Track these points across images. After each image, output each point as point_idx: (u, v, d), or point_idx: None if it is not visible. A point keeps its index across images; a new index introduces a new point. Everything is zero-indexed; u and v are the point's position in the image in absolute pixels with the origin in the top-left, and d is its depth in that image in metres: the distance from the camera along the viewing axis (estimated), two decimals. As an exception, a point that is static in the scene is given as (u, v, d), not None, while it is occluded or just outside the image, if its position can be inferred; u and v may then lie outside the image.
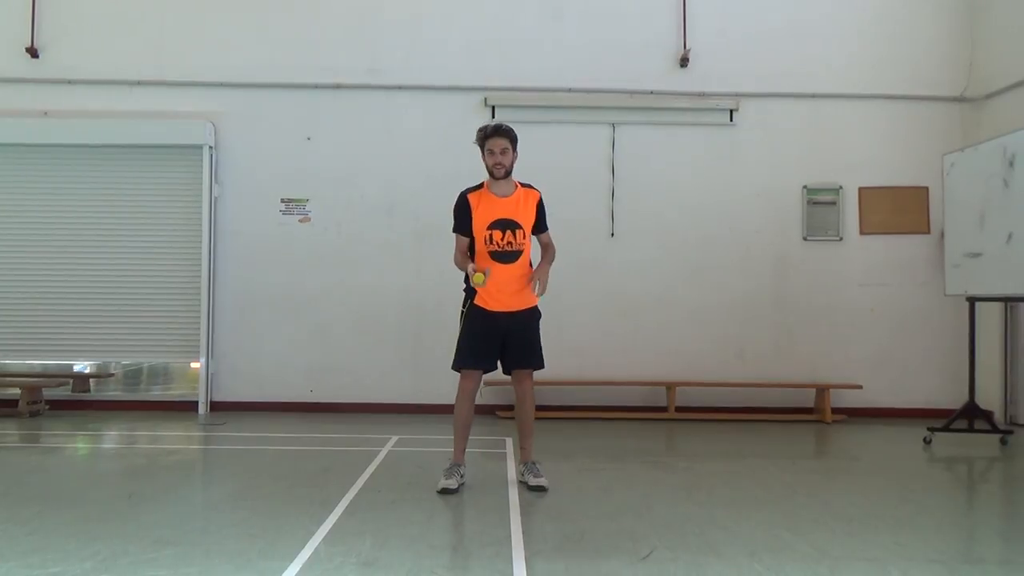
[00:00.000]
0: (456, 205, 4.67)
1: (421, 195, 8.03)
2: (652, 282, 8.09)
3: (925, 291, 8.03)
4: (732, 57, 8.19)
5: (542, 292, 4.60)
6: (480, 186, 4.68)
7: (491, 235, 4.57)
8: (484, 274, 4.45)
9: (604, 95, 8.16)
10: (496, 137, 4.58)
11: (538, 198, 4.72)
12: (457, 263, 4.69)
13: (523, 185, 4.73)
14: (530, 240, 4.68)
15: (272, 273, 8.05)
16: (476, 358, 4.65)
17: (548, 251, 4.79)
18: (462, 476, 4.62)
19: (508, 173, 4.62)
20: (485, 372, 4.74)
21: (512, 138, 4.62)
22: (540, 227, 4.75)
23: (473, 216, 4.60)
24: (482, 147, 4.64)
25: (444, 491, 4.47)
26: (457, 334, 4.71)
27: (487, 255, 4.58)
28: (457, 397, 4.69)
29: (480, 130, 4.68)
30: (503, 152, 4.57)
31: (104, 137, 7.99)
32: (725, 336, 8.07)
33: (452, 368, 4.73)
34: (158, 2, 8.19)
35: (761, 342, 8.07)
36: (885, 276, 8.14)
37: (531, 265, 4.72)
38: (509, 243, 4.57)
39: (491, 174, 4.63)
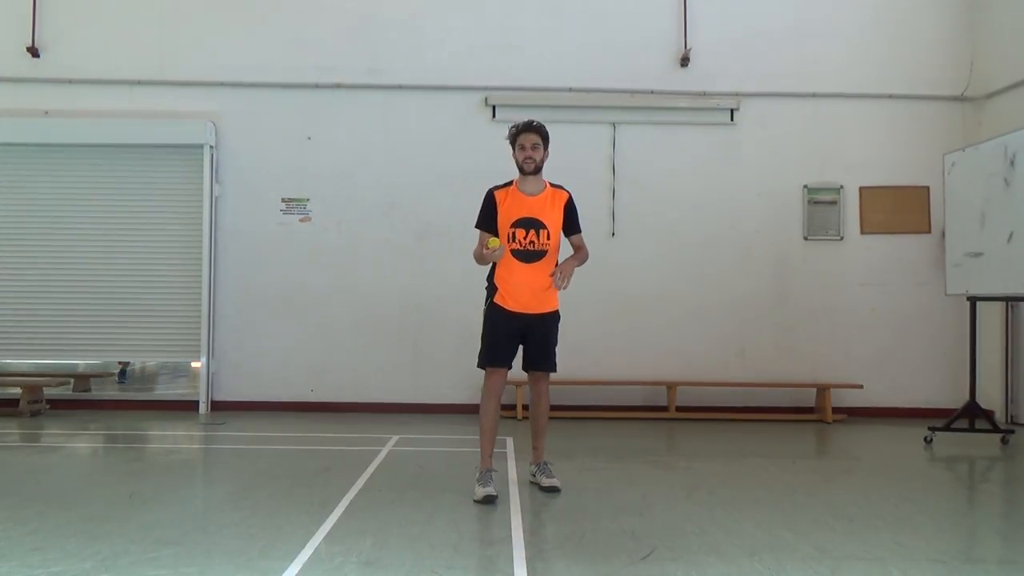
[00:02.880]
0: (483, 201, 4.62)
1: (421, 195, 8.04)
2: (653, 281, 8.09)
3: (926, 291, 8.03)
4: (733, 57, 8.19)
5: (564, 286, 4.48)
6: (509, 183, 4.62)
7: (514, 233, 4.47)
8: (497, 240, 4.38)
9: (605, 95, 8.16)
10: (528, 132, 4.53)
11: (567, 198, 4.64)
12: (476, 258, 4.59)
13: (553, 186, 4.65)
14: (557, 242, 4.59)
15: (273, 272, 8.05)
16: (498, 355, 4.55)
17: (579, 252, 4.69)
18: (495, 484, 4.44)
19: (538, 170, 4.56)
20: (509, 368, 4.63)
21: (544, 135, 4.56)
22: (571, 228, 4.67)
23: (498, 213, 4.53)
24: (513, 143, 4.58)
25: (486, 499, 4.27)
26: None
27: (509, 254, 4.48)
28: (483, 396, 4.58)
29: (512, 127, 4.62)
30: (534, 147, 4.51)
31: (105, 137, 8.00)
32: (726, 336, 8.07)
33: (477, 366, 4.64)
34: (159, 2, 8.20)
35: (762, 342, 8.07)
36: (886, 276, 8.14)
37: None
38: (532, 242, 4.49)
39: (521, 169, 4.57)
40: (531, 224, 4.50)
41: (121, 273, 8.03)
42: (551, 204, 4.58)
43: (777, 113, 8.22)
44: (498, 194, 4.58)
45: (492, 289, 4.62)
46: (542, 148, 4.55)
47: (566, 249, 4.72)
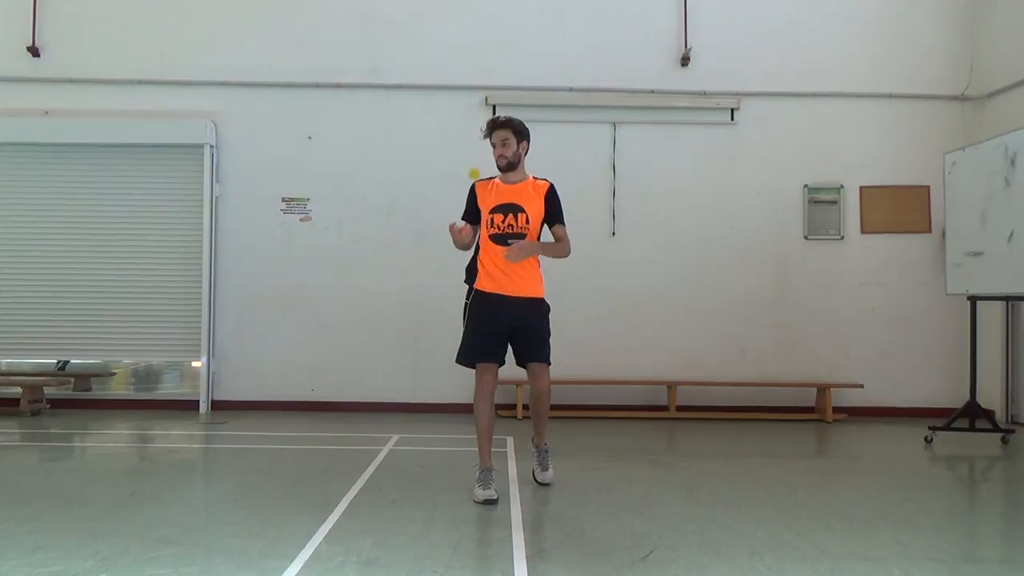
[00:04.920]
0: (467, 194, 4.69)
1: (422, 194, 8.04)
2: (653, 281, 8.09)
3: (926, 290, 8.03)
4: (733, 56, 8.19)
5: (514, 258, 4.40)
6: (493, 178, 4.68)
7: (492, 219, 4.51)
8: (471, 229, 4.50)
9: (605, 94, 8.16)
10: (497, 129, 4.56)
11: (547, 188, 4.63)
12: (456, 245, 4.59)
13: (537, 178, 4.68)
14: (537, 228, 4.57)
15: (273, 272, 8.06)
16: (484, 349, 4.47)
17: (558, 243, 4.62)
18: (495, 484, 4.39)
19: (511, 165, 4.56)
20: (499, 365, 4.55)
21: (514, 129, 4.55)
22: (552, 219, 4.62)
23: (479, 203, 4.58)
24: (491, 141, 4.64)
25: (486, 502, 4.24)
26: (461, 331, 4.58)
27: (487, 239, 4.51)
28: (475, 396, 4.51)
29: (485, 125, 4.66)
30: (504, 143, 4.52)
31: (105, 136, 8.00)
32: (726, 335, 8.07)
33: (457, 362, 4.56)
34: (159, 2, 8.20)
35: (762, 341, 8.07)
36: (886, 275, 8.14)
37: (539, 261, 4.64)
38: (510, 225, 4.49)
39: (497, 166, 4.60)
40: (508, 208, 4.52)
41: (121, 273, 8.04)
42: (531, 191, 4.59)
43: (777, 113, 8.22)
44: (479, 186, 4.65)
45: (472, 278, 4.63)
46: (514, 143, 4.54)
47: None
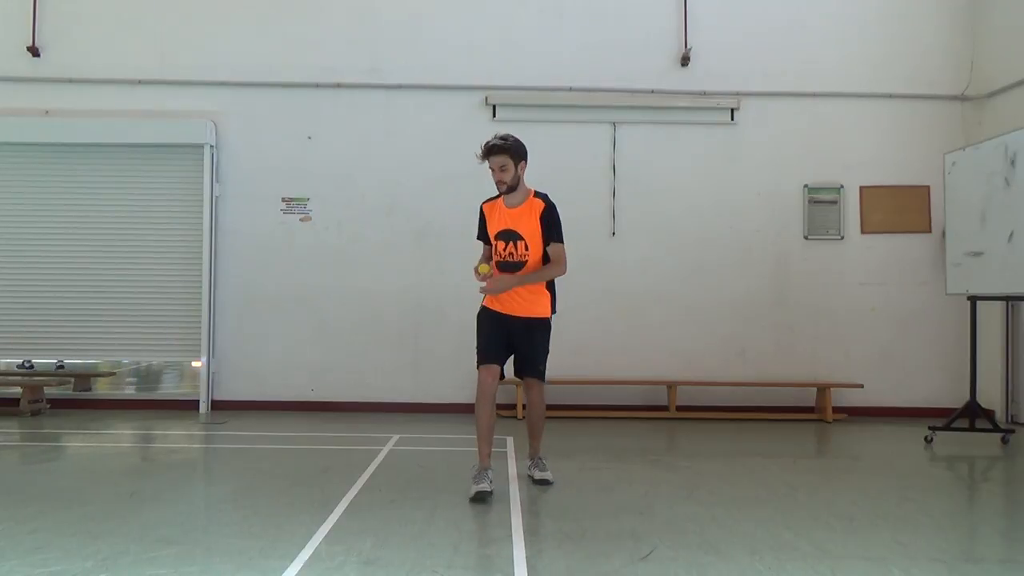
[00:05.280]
0: (478, 215, 4.81)
1: (421, 194, 8.04)
2: (653, 281, 8.09)
3: (926, 290, 8.03)
4: (733, 56, 8.19)
5: (485, 290, 4.59)
6: (498, 196, 4.71)
7: (497, 245, 4.66)
8: (488, 265, 4.60)
9: (605, 94, 8.16)
10: (493, 156, 4.53)
11: (542, 208, 4.60)
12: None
13: (537, 195, 4.65)
14: (537, 253, 4.61)
15: (273, 272, 8.06)
16: (484, 351, 4.64)
17: (548, 265, 4.61)
18: (491, 481, 4.44)
19: (511, 188, 4.59)
20: (500, 367, 4.66)
21: (512, 152, 4.52)
22: (546, 238, 4.61)
23: (487, 225, 4.72)
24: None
25: (478, 495, 4.30)
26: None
27: (496, 264, 4.66)
28: (476, 397, 4.61)
29: (481, 149, 4.58)
30: (502, 169, 4.53)
31: (105, 136, 8.00)
32: (726, 335, 8.07)
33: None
34: (159, 2, 8.20)
35: (762, 341, 8.07)
36: (886, 275, 8.14)
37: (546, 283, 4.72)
38: (511, 254, 4.62)
39: (497, 190, 4.66)
40: (509, 236, 4.62)
41: (121, 273, 8.03)
42: (528, 215, 4.61)
43: (777, 113, 8.21)
44: (485, 207, 4.78)
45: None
46: (511, 167, 4.54)
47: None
